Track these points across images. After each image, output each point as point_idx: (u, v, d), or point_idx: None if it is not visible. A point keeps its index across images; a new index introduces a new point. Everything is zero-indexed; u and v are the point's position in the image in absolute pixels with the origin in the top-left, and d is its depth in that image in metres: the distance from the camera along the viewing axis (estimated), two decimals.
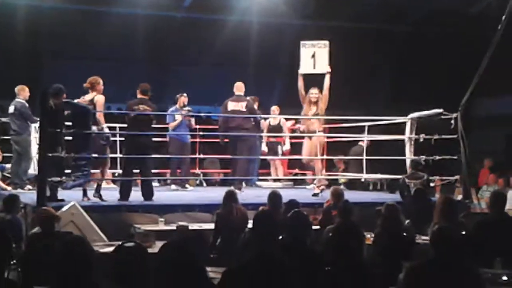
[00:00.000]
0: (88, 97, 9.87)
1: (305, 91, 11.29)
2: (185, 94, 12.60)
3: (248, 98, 12.33)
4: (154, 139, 11.38)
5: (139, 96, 10.40)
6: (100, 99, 9.82)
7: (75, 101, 9.86)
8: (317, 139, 11.20)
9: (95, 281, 4.24)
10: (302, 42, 11.36)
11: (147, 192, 10.08)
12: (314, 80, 11.30)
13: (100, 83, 9.98)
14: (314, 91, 11.20)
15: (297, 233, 5.86)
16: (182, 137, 12.46)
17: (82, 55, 17.09)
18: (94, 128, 9.68)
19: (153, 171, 11.24)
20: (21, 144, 11.58)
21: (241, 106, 12.07)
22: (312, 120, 11.26)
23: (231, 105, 12.10)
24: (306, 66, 11.28)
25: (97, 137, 9.74)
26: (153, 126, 10.70)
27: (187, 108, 12.59)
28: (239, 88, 12.26)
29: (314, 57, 11.20)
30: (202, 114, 13.59)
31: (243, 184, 12.44)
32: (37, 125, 10.92)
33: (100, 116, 9.80)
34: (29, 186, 11.40)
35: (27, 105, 11.68)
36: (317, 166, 11.52)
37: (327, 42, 11.27)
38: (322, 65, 11.20)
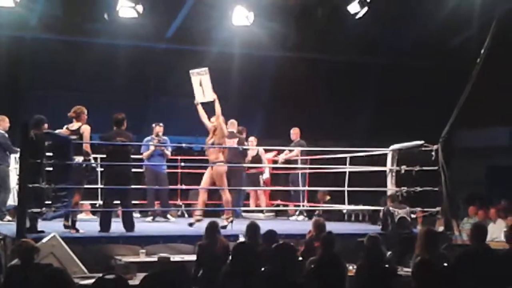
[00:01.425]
0: (74, 126, 9.82)
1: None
2: (161, 124, 12.59)
3: (240, 133, 12.78)
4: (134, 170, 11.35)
5: (114, 128, 10.34)
6: (86, 129, 9.77)
7: (57, 131, 9.81)
8: (217, 169, 10.90)
9: None
10: (190, 71, 11.05)
11: (128, 224, 10.00)
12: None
13: (85, 112, 9.95)
14: (212, 120, 11.02)
15: (284, 265, 5.83)
16: (156, 167, 12.41)
17: (63, 85, 17.02)
18: (81, 158, 9.62)
19: (133, 202, 11.17)
20: None
21: (233, 142, 12.43)
22: (210, 150, 11.07)
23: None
24: (198, 95, 10.95)
25: (81, 168, 9.67)
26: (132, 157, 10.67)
27: (157, 137, 12.55)
28: (232, 125, 12.60)
29: (202, 85, 10.89)
30: (184, 145, 13.52)
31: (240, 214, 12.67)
32: (17, 155, 10.84)
33: (86, 147, 9.75)
34: (8, 217, 11.28)
35: (6, 135, 11.58)
36: (224, 197, 11.07)
37: (206, 69, 10.91)
38: (209, 93, 10.86)
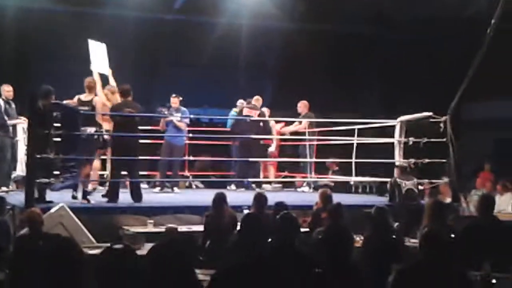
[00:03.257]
0: (86, 97, 9.86)
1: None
2: (177, 95, 12.50)
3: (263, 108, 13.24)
4: (143, 141, 11.37)
5: (121, 98, 10.30)
6: (99, 101, 9.81)
7: (64, 102, 9.84)
8: None
9: (84, 283, 4.22)
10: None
11: (136, 194, 10.03)
12: None
13: (98, 84, 9.99)
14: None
15: (286, 235, 5.84)
16: (171, 139, 12.36)
17: (70, 57, 16.99)
18: (92, 129, 9.65)
19: (141, 173, 11.18)
20: None
21: (255, 113, 12.99)
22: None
23: (245, 111, 13.10)
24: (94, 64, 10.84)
25: (92, 139, 9.71)
26: (140, 128, 10.67)
27: (170, 109, 12.55)
28: (256, 100, 13.35)
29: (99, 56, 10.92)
30: (192, 116, 13.41)
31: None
32: (25, 125, 10.84)
33: (99, 118, 9.77)
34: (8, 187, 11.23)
35: (2, 105, 11.46)
36: None
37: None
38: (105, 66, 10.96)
